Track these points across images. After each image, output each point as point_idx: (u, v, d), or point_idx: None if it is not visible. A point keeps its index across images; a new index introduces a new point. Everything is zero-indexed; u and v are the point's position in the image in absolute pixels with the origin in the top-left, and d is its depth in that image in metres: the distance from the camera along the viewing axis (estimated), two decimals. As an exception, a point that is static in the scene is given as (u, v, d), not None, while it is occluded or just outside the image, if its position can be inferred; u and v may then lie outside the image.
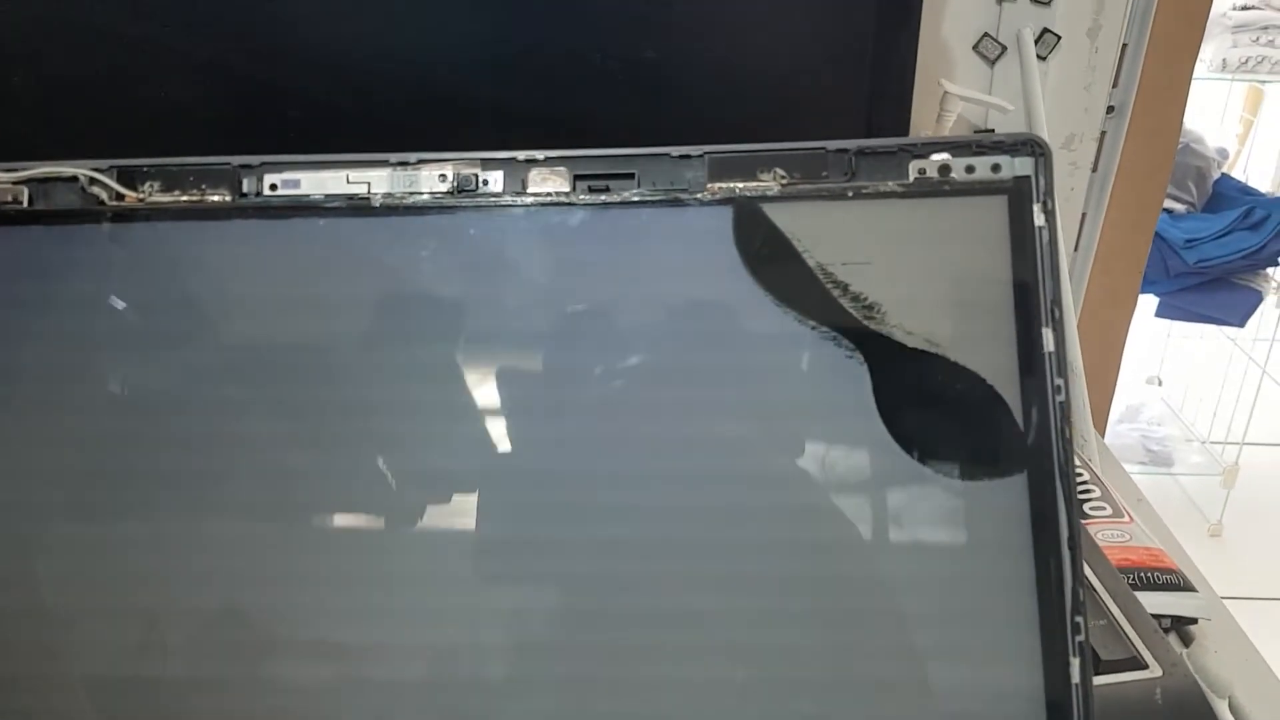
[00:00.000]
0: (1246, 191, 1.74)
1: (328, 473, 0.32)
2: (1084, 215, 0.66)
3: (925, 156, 0.32)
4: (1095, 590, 0.42)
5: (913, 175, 0.32)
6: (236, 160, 0.32)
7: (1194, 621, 0.46)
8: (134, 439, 0.32)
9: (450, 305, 0.31)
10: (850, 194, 0.32)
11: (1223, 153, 1.76)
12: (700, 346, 0.32)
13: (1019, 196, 0.32)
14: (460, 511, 0.32)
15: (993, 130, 0.63)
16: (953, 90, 0.60)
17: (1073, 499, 0.31)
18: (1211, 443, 1.86)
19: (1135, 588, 0.45)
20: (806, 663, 0.31)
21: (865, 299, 0.32)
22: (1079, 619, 0.31)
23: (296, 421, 0.32)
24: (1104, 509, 0.48)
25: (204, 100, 0.47)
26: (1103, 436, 0.75)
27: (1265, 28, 1.58)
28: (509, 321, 0.32)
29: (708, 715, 0.31)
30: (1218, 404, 1.86)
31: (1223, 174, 1.75)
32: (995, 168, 0.32)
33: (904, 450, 0.31)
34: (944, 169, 0.32)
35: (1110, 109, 0.64)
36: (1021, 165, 0.32)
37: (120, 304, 0.32)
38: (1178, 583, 0.46)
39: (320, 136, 0.48)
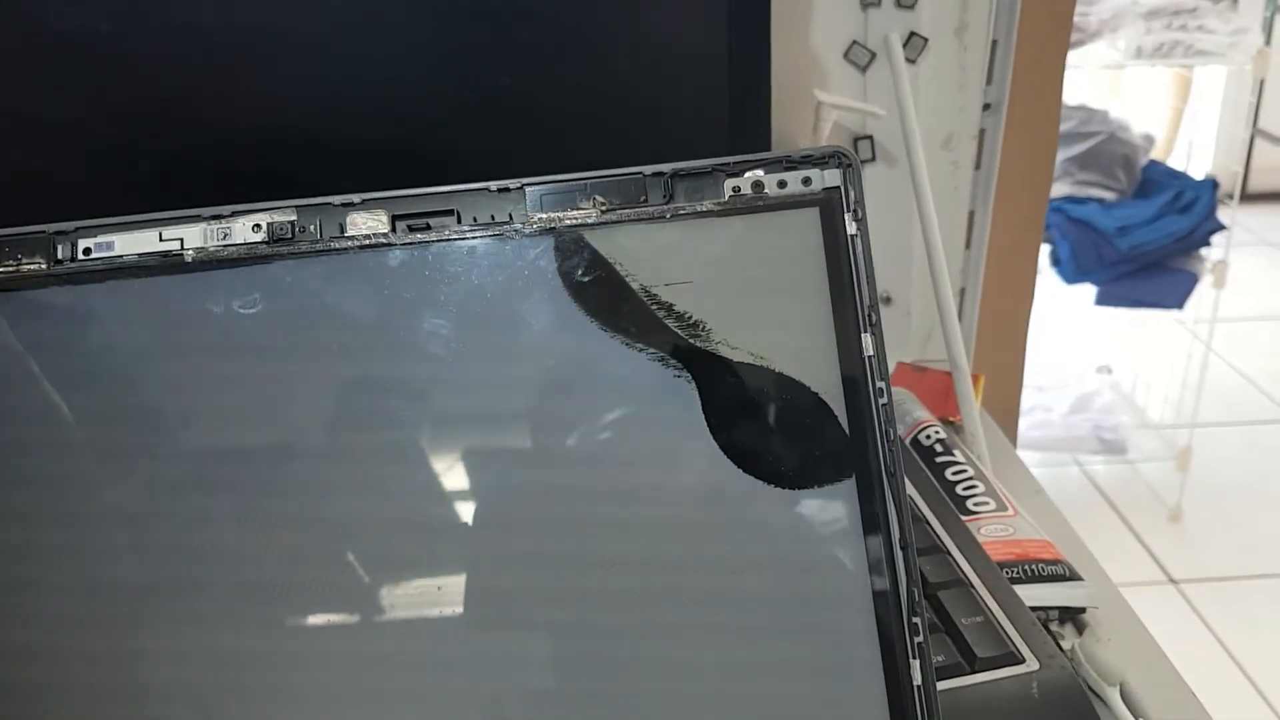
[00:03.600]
0: (1175, 175, 1.78)
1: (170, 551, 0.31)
2: (972, 213, 0.67)
3: (739, 175, 0.33)
4: (972, 586, 0.42)
5: (728, 194, 0.33)
6: (52, 227, 0.32)
7: (1083, 611, 0.47)
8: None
9: (272, 357, 0.31)
10: (669, 215, 0.33)
11: (1149, 139, 1.80)
12: (529, 376, 0.32)
13: (830, 207, 0.33)
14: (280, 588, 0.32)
15: (870, 137, 0.64)
16: (826, 100, 0.61)
17: (902, 500, 0.31)
18: (1163, 427, 1.88)
19: (1020, 580, 0.46)
20: (643, 677, 0.31)
21: (690, 317, 0.32)
22: (915, 620, 0.31)
23: (122, 496, 0.32)
24: (988, 503, 0.49)
25: (58, 165, 0.47)
26: (1015, 425, 0.76)
27: (1177, 12, 1.61)
28: (334, 372, 0.32)
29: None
30: (1167, 388, 1.88)
31: (1150, 160, 1.78)
32: (806, 181, 0.33)
33: (735, 463, 0.32)
34: (757, 185, 0.33)
35: (987, 106, 0.65)
36: (830, 177, 0.33)
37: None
38: (1064, 573, 0.46)
39: (185, 192, 0.48)
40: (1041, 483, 1.81)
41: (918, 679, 0.31)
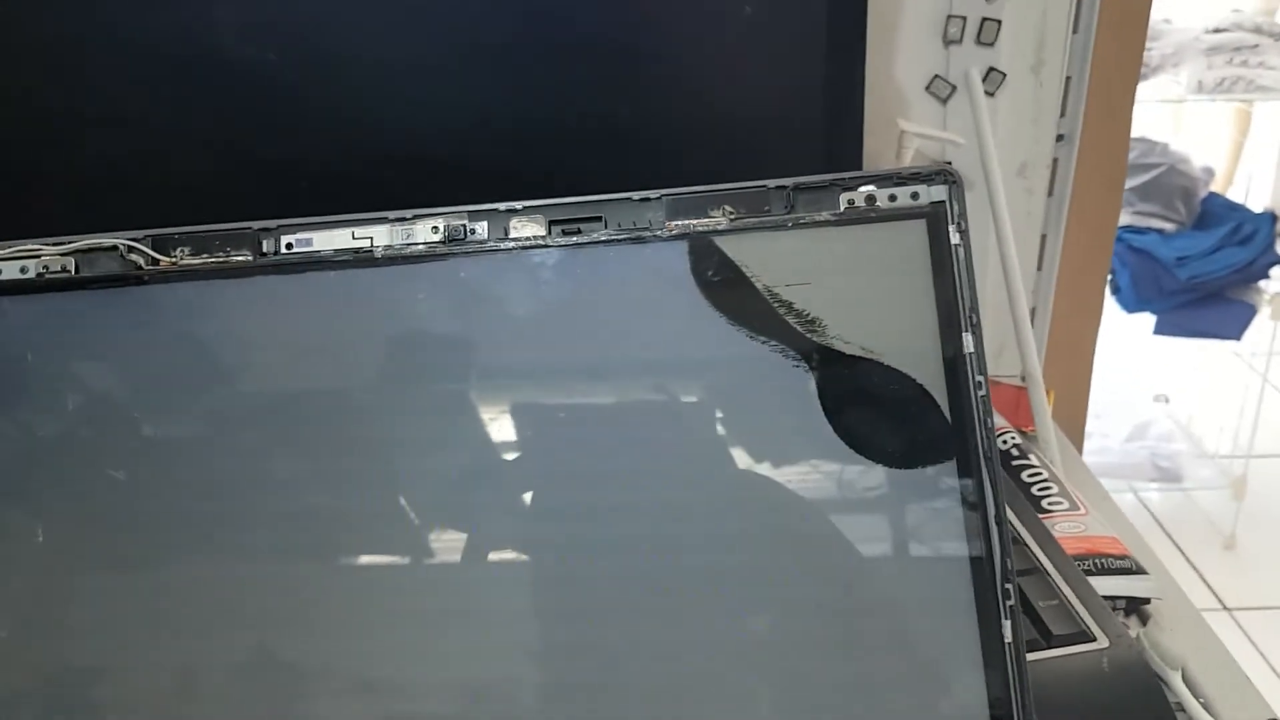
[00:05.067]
0: (1234, 208, 1.78)
1: (350, 511, 0.36)
2: (1044, 236, 0.71)
3: (854, 189, 0.37)
4: (1048, 574, 0.46)
5: (843, 205, 0.37)
6: (256, 224, 0.37)
7: (1147, 601, 0.50)
8: (167, 485, 0.37)
9: (449, 343, 0.36)
10: (790, 224, 0.37)
11: (1209, 171, 1.81)
12: (664, 362, 0.36)
13: (936, 219, 0.37)
14: (455, 545, 0.36)
15: (949, 163, 0.68)
16: (909, 128, 0.65)
17: (998, 481, 0.35)
18: (1219, 457, 1.88)
19: (1090, 573, 0.49)
20: (770, 656, 0.35)
21: (807, 315, 0.36)
22: (1008, 585, 0.35)
23: (318, 461, 0.37)
24: (1061, 503, 0.52)
25: (219, 175, 0.53)
26: (1081, 438, 0.79)
27: (1238, 49, 1.63)
28: (502, 356, 0.37)
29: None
30: (1223, 419, 1.88)
31: (1210, 192, 1.79)
32: (915, 196, 0.37)
33: (847, 444, 0.36)
34: (870, 199, 0.37)
35: (1060, 137, 0.68)
36: (937, 192, 0.37)
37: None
38: (1130, 567, 0.49)
39: (323, 200, 0.53)
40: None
41: (1009, 636, 0.34)
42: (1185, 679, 0.48)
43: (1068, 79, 0.67)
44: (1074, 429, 0.76)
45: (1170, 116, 2.37)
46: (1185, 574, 1.76)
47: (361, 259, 0.36)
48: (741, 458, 0.36)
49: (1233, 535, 1.81)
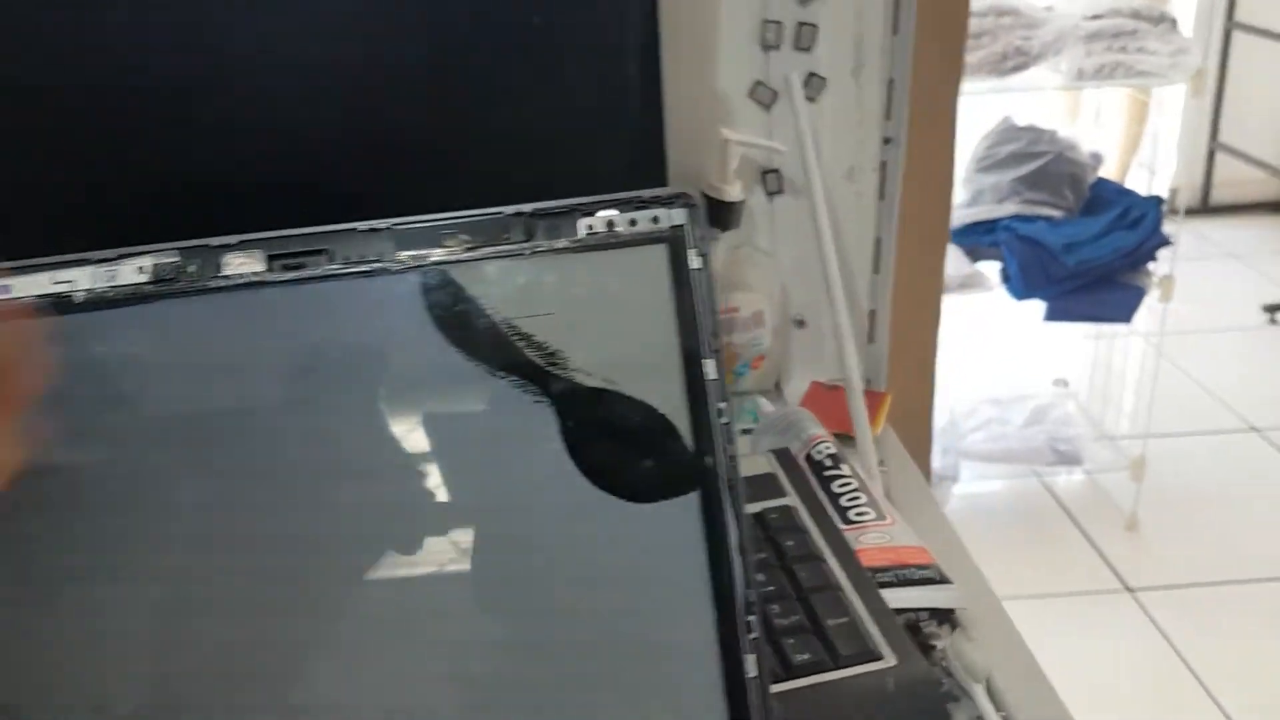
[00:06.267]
0: (1123, 192, 1.82)
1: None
2: (879, 240, 0.71)
3: (593, 214, 0.36)
4: (842, 591, 0.45)
5: (583, 232, 0.36)
6: (-50, 273, 0.35)
7: (951, 612, 0.50)
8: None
9: (146, 392, 0.34)
10: (528, 253, 0.36)
11: (1097, 157, 1.84)
12: (400, 407, 0.35)
13: (676, 243, 0.36)
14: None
15: (777, 170, 0.68)
16: (731, 137, 0.64)
17: (741, 509, 0.34)
18: (1119, 438, 1.92)
19: (893, 584, 0.49)
20: (512, 680, 0.34)
21: (548, 347, 0.35)
22: (751, 618, 0.34)
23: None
24: (869, 514, 0.52)
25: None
26: (928, 439, 0.79)
27: (1117, 35, 1.66)
28: (210, 402, 0.34)
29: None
30: (1122, 400, 1.92)
31: (1099, 178, 1.82)
32: (655, 220, 0.36)
33: (591, 481, 0.35)
34: (610, 224, 0.36)
35: (887, 140, 0.68)
36: (677, 216, 0.36)
37: None
38: (933, 577, 0.49)
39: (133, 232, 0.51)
40: (1000, 494, 1.84)
41: (752, 671, 0.33)
42: (990, 690, 0.48)
43: (890, 82, 0.67)
44: (919, 430, 0.76)
45: (1069, 105, 2.42)
46: (1089, 556, 1.79)
47: (60, 304, 0.34)
48: (481, 501, 0.35)
49: (1134, 516, 1.85)
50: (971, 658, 0.47)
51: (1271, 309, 2.48)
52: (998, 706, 0.47)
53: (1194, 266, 2.87)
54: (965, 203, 1.75)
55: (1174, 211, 1.75)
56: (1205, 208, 3.06)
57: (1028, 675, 0.48)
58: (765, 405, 0.66)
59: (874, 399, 0.70)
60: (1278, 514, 1.89)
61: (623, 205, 0.36)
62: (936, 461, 1.71)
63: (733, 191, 0.66)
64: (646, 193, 0.36)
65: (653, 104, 0.54)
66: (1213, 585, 1.72)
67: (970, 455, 1.79)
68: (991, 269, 1.74)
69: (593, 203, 0.36)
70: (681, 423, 0.35)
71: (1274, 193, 3.12)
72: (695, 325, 0.35)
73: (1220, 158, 3.02)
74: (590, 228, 0.36)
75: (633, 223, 0.36)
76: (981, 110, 1.86)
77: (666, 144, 0.55)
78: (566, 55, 0.52)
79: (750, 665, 0.33)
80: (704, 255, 0.36)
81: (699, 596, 0.34)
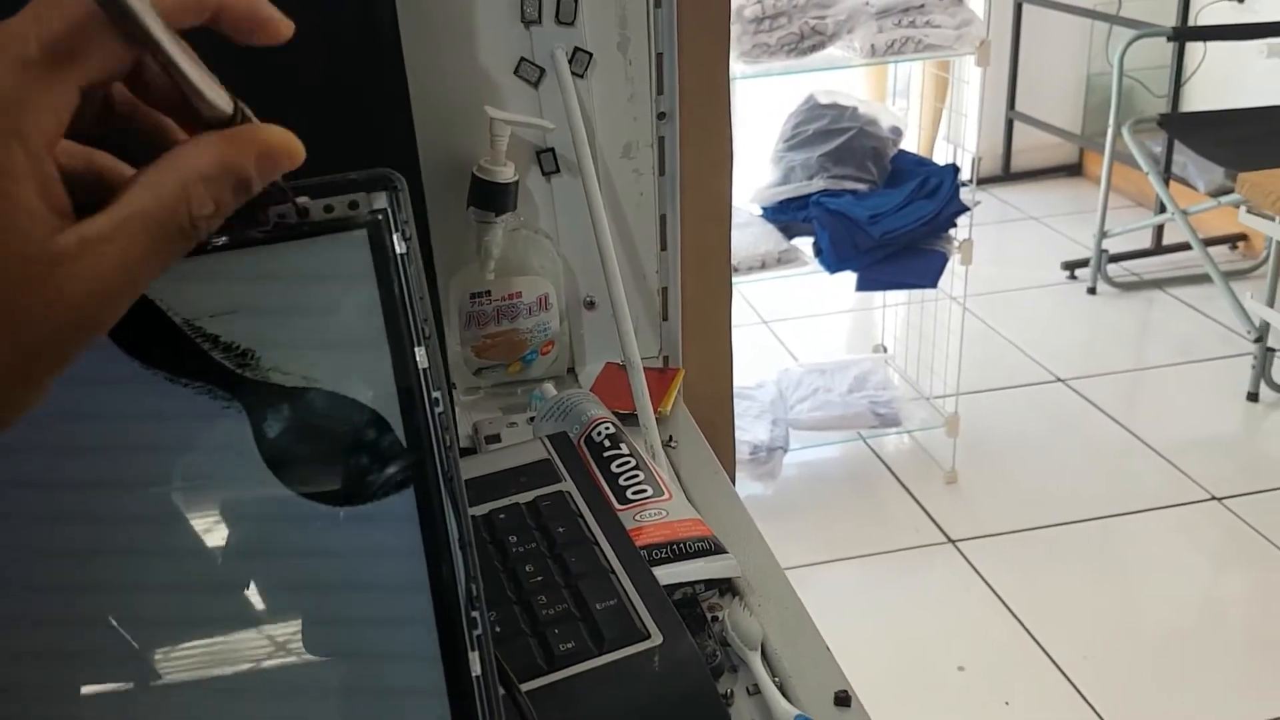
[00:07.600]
0: (922, 163, 1.89)
1: None
2: (663, 216, 0.70)
3: (283, 201, 0.33)
4: (613, 573, 0.45)
5: (272, 221, 0.33)
6: None
7: (730, 582, 0.50)
8: None
9: None
10: (209, 247, 0.33)
11: (897, 130, 1.91)
12: (64, 421, 0.31)
13: (377, 229, 0.33)
14: None
15: (552, 149, 0.66)
16: (496, 115, 0.62)
17: (460, 502, 0.33)
18: (935, 398, 2.01)
19: (669, 559, 0.48)
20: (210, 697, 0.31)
21: (238, 347, 0.32)
22: (474, 614, 0.32)
23: None
24: (645, 491, 0.51)
25: None
26: (729, 410, 0.79)
27: (905, 10, 1.72)
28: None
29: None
30: (936, 361, 2.01)
31: (900, 150, 1.89)
32: (353, 205, 0.34)
33: (292, 488, 0.32)
34: (303, 211, 0.33)
35: (662, 115, 0.68)
36: (378, 200, 0.34)
37: None
38: (709, 548, 0.49)
39: None
40: (830, 457, 1.89)
41: (476, 669, 0.32)
42: (766, 656, 0.48)
43: (659, 55, 0.66)
44: (719, 403, 0.77)
45: (874, 81, 2.50)
46: (914, 512, 1.87)
47: None
48: (170, 516, 0.32)
49: (954, 471, 1.93)
50: (746, 626, 0.47)
51: (1071, 266, 2.64)
52: (773, 673, 0.47)
53: (998, 230, 3.04)
54: (777, 181, 1.79)
55: (976, 180, 1.84)
56: (1007, 174, 3.24)
57: (803, 638, 0.49)
58: (549, 391, 0.64)
59: (666, 376, 0.70)
60: (1085, 459, 2.02)
61: (316, 191, 0.34)
62: (766, 433, 1.75)
63: (505, 173, 0.64)
64: (342, 176, 0.34)
65: (396, 84, 0.51)
66: (1028, 530, 1.82)
67: (799, 424, 1.83)
68: (806, 244, 1.78)
69: (282, 189, 0.34)
70: (393, 416, 0.33)
71: (1068, 156, 3.33)
72: (403, 313, 0.33)
73: (1018, 126, 3.19)
74: (281, 216, 0.33)
75: (329, 209, 0.34)
76: (794, 90, 1.91)
77: (416, 127, 0.53)
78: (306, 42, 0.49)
79: (474, 663, 0.32)
80: (409, 239, 0.34)
81: (418, 597, 0.32)
